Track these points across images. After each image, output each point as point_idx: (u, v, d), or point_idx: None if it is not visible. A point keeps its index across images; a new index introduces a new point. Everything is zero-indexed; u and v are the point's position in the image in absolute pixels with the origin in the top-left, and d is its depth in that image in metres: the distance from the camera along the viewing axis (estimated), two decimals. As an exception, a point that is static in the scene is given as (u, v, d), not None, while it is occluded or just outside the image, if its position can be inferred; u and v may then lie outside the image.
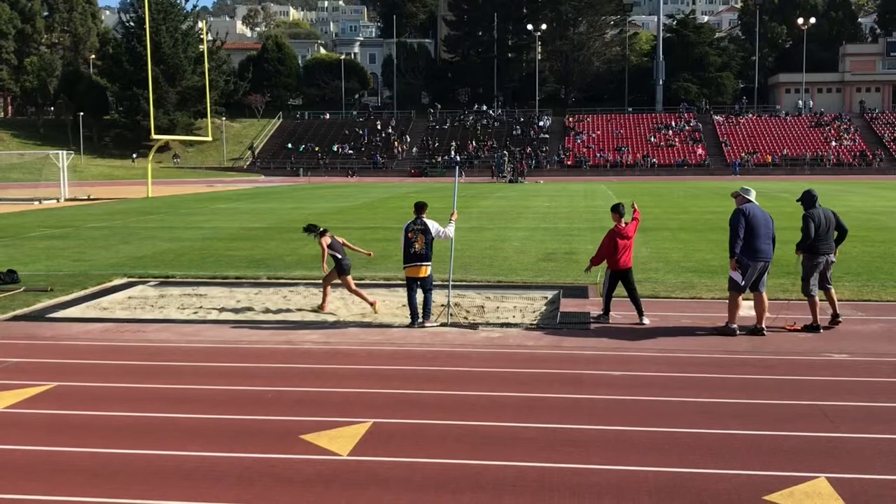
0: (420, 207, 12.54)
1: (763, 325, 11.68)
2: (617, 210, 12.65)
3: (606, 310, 12.64)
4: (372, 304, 13.70)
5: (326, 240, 13.62)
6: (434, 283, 12.84)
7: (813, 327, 11.86)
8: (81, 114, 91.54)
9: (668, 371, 9.80)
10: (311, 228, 14.08)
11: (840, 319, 12.13)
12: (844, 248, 20.52)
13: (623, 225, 12.52)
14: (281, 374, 9.83)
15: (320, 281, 16.46)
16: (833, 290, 12.26)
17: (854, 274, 16.64)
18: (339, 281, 13.88)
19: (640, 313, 12.40)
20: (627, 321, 12.52)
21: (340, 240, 14.00)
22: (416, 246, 12.34)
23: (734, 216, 11.63)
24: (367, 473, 6.70)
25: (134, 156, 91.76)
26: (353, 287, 13.82)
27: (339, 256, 13.63)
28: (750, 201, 11.77)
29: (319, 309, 13.90)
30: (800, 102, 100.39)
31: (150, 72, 52.77)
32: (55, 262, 19.78)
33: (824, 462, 6.85)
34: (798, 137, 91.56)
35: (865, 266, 17.76)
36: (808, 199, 12.20)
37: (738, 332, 11.61)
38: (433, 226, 12.36)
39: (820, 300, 12.03)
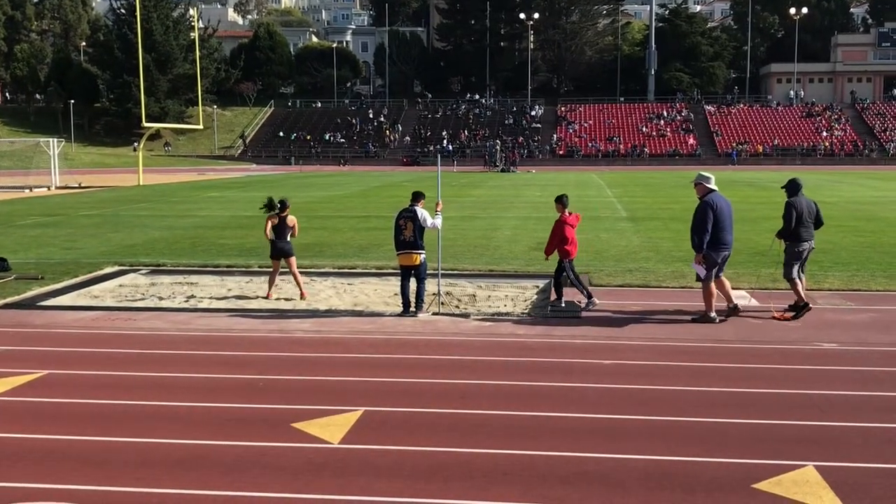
0: (415, 196, 12.61)
1: (736, 302, 11.90)
2: (560, 201, 12.82)
3: (589, 294, 12.76)
4: (302, 295, 13.76)
5: (274, 220, 13.76)
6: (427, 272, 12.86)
7: (800, 306, 12.04)
8: (72, 101, 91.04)
9: (657, 360, 9.84)
10: (270, 205, 13.99)
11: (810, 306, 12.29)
12: (834, 238, 20.66)
13: (567, 215, 12.72)
14: (272, 363, 9.84)
15: (312, 269, 16.49)
16: (804, 280, 12.45)
17: (844, 264, 16.71)
18: (284, 268, 13.99)
19: (559, 297, 12.83)
20: (618, 310, 12.56)
21: (292, 223, 13.97)
22: (406, 234, 12.37)
23: (702, 209, 11.63)
24: (358, 461, 6.73)
25: (135, 144, 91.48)
26: (294, 269, 13.93)
27: (274, 239, 13.78)
28: (713, 190, 11.80)
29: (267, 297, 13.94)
30: (791, 92, 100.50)
31: (141, 59, 52.54)
32: (46, 250, 19.73)
33: (812, 450, 6.90)
34: (789, 128, 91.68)
35: (855, 256, 17.83)
36: (793, 188, 12.30)
37: (717, 319, 11.71)
38: (421, 214, 12.38)
39: (783, 291, 12.48)
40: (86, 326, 11.80)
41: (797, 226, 12.02)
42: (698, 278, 11.89)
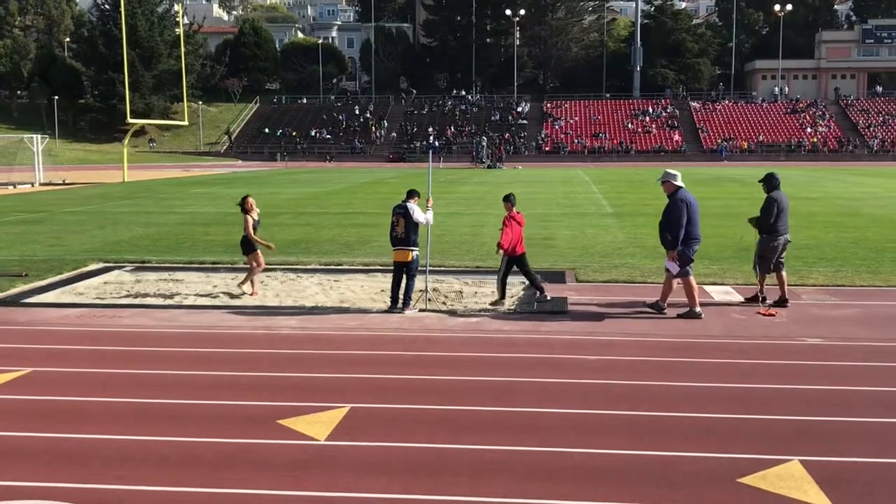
0: (408, 194, 12.63)
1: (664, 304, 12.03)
2: (509, 199, 12.85)
3: (503, 294, 12.77)
4: (252, 293, 13.67)
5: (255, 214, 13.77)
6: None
7: (755, 298, 12.44)
8: (56, 97, 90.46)
9: (643, 355, 9.87)
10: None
11: (788, 304, 12.41)
12: (818, 234, 20.77)
13: (516, 212, 12.76)
14: (258, 360, 9.81)
15: (298, 266, 16.45)
16: (784, 273, 12.59)
17: (828, 259, 16.80)
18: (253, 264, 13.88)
19: (541, 290, 12.75)
20: (604, 306, 12.59)
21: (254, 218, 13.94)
22: (398, 230, 12.39)
23: (676, 206, 11.70)
24: (345, 458, 6.72)
25: (124, 140, 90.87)
26: (259, 266, 13.87)
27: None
28: (681, 187, 11.88)
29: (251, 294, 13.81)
30: (776, 89, 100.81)
31: (125, 55, 52.26)
32: (30, 247, 19.61)
33: (797, 445, 6.93)
34: (774, 124, 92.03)
35: (839, 251, 17.92)
36: (773, 182, 12.44)
37: (702, 314, 11.77)
38: (413, 209, 12.37)
39: (767, 286, 12.59)
40: (70, 323, 11.74)
41: (776, 220, 12.13)
42: (676, 274, 11.91)
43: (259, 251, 13.85)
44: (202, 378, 9.09)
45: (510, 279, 12.99)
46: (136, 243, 20.20)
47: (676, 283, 11.91)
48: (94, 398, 8.32)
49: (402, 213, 12.38)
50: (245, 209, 13.77)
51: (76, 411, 7.95)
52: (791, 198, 12.90)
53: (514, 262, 12.68)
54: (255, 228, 13.82)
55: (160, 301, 13.46)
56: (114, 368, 9.46)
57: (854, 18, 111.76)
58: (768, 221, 12.23)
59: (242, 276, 14.34)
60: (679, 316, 11.84)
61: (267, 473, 6.40)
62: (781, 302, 12.44)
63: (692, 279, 11.83)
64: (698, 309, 11.80)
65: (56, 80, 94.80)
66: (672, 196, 11.82)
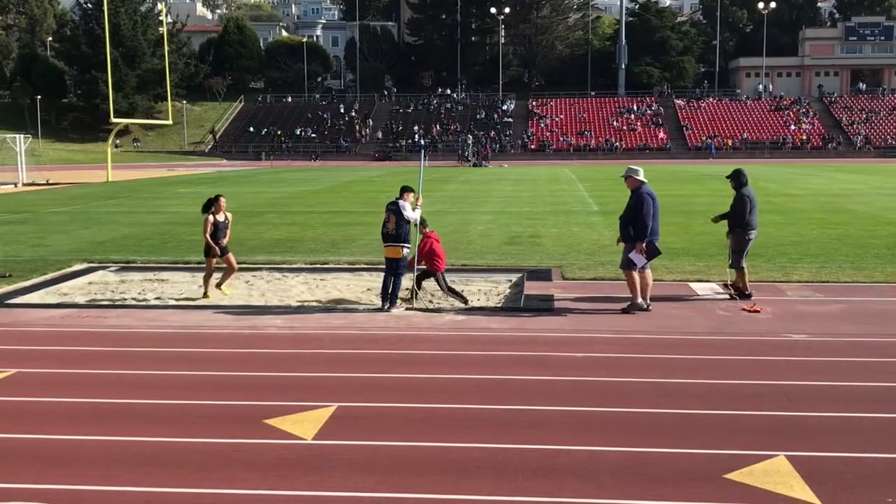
0: (402, 190, 12.68)
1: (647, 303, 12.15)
2: (423, 224, 13.19)
3: (464, 300, 12.88)
4: (206, 295, 13.47)
5: (220, 217, 13.48)
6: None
7: (746, 294, 12.60)
8: (39, 97, 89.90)
9: (629, 352, 9.90)
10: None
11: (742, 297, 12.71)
12: (803, 231, 20.88)
13: (430, 231, 13.17)
14: (244, 359, 9.77)
15: (284, 265, 16.42)
16: (747, 268, 12.94)
17: (812, 256, 16.88)
18: (224, 264, 13.75)
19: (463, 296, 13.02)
20: (591, 304, 12.60)
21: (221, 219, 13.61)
22: (389, 226, 12.40)
23: (643, 200, 11.87)
24: (332, 457, 6.70)
25: (117, 141, 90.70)
26: (211, 269, 13.63)
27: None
28: (644, 182, 12.04)
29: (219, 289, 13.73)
30: (760, 86, 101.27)
31: (108, 54, 51.97)
32: (13, 247, 19.48)
33: (783, 440, 6.96)
34: (758, 121, 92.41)
35: (823, 248, 18.01)
36: (742, 178, 12.80)
37: (646, 305, 11.94)
38: (404, 206, 12.38)
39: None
40: (55, 324, 11.67)
41: (749, 215, 12.48)
42: (625, 266, 12.02)
43: (231, 254, 13.73)
44: (188, 378, 9.05)
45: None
46: (121, 243, 20.09)
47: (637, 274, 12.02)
48: (79, 399, 8.27)
49: (393, 209, 12.41)
50: (216, 209, 13.46)
51: (62, 412, 7.90)
52: (775, 195, 13.01)
53: (432, 275, 12.98)
54: (223, 230, 13.54)
55: (145, 301, 13.40)
56: (99, 369, 9.40)
57: (837, 16, 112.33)
58: (742, 218, 12.50)
59: (228, 276, 14.19)
60: (623, 310, 11.96)
61: (254, 473, 6.38)
62: (740, 293, 12.81)
63: (636, 274, 11.96)
64: (640, 300, 11.97)
65: (39, 80, 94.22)
66: (637, 191, 12.03)
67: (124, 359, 9.83)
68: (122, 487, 6.14)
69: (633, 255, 11.88)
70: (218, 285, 13.77)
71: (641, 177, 12.10)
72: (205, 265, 13.92)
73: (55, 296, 13.92)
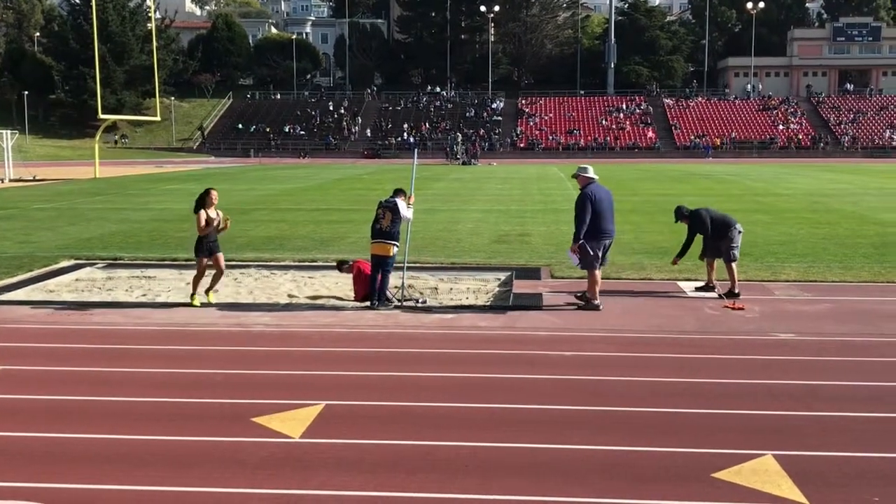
0: (395, 192, 12.68)
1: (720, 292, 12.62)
2: (345, 263, 13.64)
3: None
4: (192, 300, 12.63)
5: (212, 213, 12.65)
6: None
7: (735, 293, 12.73)
8: (26, 93, 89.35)
9: (617, 351, 9.90)
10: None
11: (717, 293, 12.94)
12: (791, 230, 20.95)
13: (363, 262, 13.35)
14: (232, 357, 9.74)
15: (272, 263, 16.37)
16: (727, 263, 13.09)
17: (800, 255, 16.93)
18: (211, 262, 12.80)
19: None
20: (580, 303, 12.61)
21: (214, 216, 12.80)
22: (383, 223, 12.37)
23: (581, 201, 11.97)
24: (320, 455, 6.68)
25: (116, 138, 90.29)
26: (202, 270, 12.74)
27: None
28: (592, 180, 12.05)
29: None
30: (748, 86, 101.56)
31: (96, 50, 51.74)
32: (-1, 244, 19.38)
33: (771, 439, 6.97)
34: (746, 121, 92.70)
35: (811, 247, 18.07)
36: (682, 212, 13.38)
37: (601, 307, 12.00)
38: (401, 205, 12.38)
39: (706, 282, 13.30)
40: (41, 321, 11.60)
41: (711, 228, 12.93)
42: (583, 265, 12.14)
43: (221, 254, 12.88)
44: (175, 376, 9.01)
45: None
46: (108, 240, 20.00)
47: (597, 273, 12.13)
48: (65, 396, 8.23)
49: (390, 207, 12.39)
50: (208, 203, 12.65)
51: (48, 410, 7.85)
52: (763, 194, 13.10)
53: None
54: (216, 226, 12.72)
55: (132, 298, 13.34)
56: (85, 367, 9.36)
57: (825, 16, 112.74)
58: (707, 233, 12.95)
59: (216, 281, 13.45)
60: (579, 308, 12.05)
61: (241, 471, 6.35)
62: (709, 288, 13.13)
63: (597, 273, 12.03)
64: (597, 301, 12.03)
65: (26, 76, 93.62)
66: (581, 190, 12.04)
67: (111, 356, 9.78)
68: (109, 486, 6.10)
69: (569, 254, 12.23)
70: (207, 290, 12.89)
71: (590, 174, 12.17)
72: (195, 263, 13.16)
73: (41, 293, 13.85)
